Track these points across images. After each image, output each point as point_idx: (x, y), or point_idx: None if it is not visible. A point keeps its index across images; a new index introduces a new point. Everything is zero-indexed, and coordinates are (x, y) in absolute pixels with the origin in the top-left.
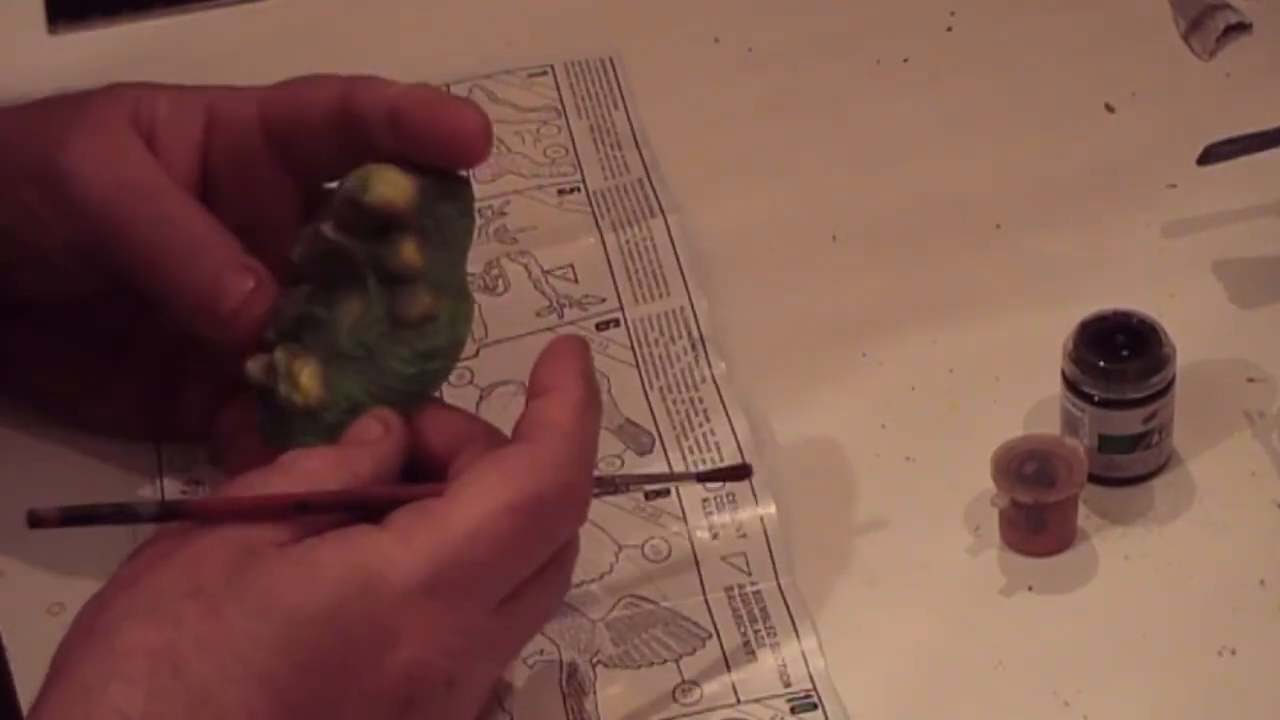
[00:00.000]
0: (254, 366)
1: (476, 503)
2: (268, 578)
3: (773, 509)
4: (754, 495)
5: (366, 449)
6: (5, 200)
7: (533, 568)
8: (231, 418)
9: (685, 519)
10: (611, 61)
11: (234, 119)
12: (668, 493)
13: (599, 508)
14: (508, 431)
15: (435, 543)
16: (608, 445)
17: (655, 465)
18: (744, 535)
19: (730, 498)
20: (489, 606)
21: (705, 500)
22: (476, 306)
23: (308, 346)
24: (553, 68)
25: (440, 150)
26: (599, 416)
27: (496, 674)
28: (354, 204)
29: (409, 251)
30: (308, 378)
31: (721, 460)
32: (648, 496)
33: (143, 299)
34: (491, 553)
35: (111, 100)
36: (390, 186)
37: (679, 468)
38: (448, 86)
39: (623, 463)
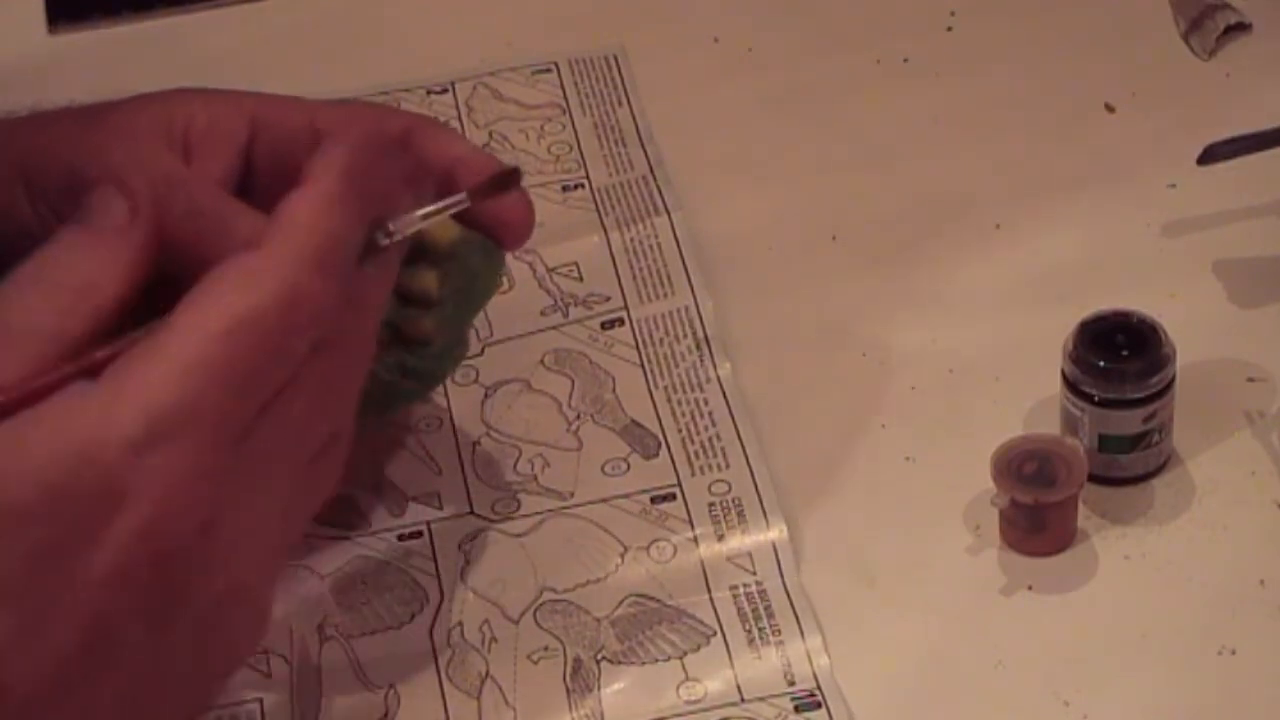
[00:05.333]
0: None
1: (190, 332)
2: None
3: (778, 509)
4: (759, 497)
5: (121, 240)
6: (35, 208)
7: (271, 388)
8: None
9: (691, 522)
10: (615, 59)
11: (282, 128)
12: (674, 497)
13: (604, 512)
14: None
15: (148, 388)
16: (614, 447)
17: (662, 469)
18: (749, 536)
19: (735, 501)
20: (230, 440)
21: (711, 505)
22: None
23: None
24: (557, 65)
25: (483, 227)
26: (353, 210)
27: (282, 508)
28: None
29: (429, 280)
30: None
31: (727, 466)
32: (654, 501)
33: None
34: (212, 384)
35: (142, 109)
36: (437, 223)
37: (685, 473)
38: (453, 84)
39: (629, 466)
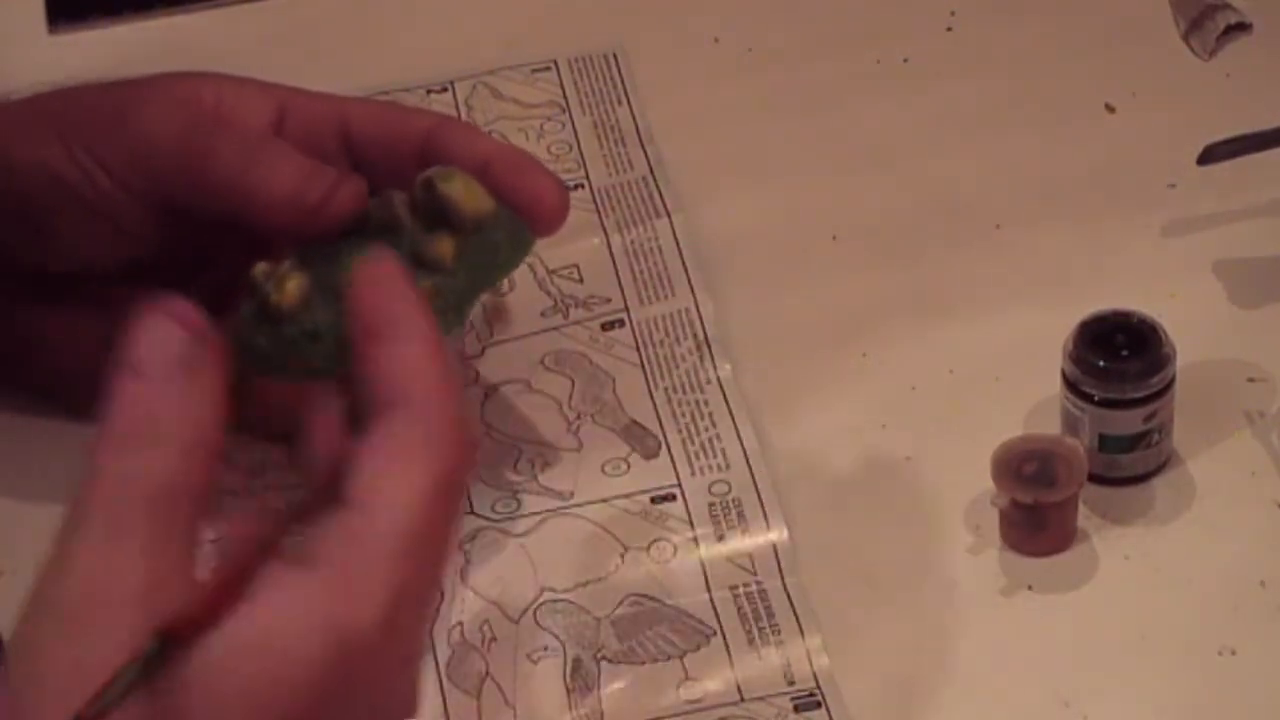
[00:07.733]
0: (260, 267)
1: (398, 503)
2: (232, 668)
3: (778, 510)
4: (759, 497)
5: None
6: (75, 158)
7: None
8: None
9: (691, 522)
10: (615, 57)
11: (309, 118)
12: (674, 498)
13: (604, 512)
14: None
15: (381, 570)
16: (614, 447)
17: (662, 469)
18: (749, 536)
19: (735, 501)
20: (436, 588)
21: (711, 505)
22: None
23: (314, 272)
24: (556, 63)
25: (515, 206)
26: (450, 355)
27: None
28: (428, 186)
29: (444, 247)
30: (293, 285)
31: (728, 467)
32: (654, 501)
33: (180, 265)
34: (429, 546)
35: (176, 82)
36: (467, 192)
37: (685, 472)
38: (452, 84)
39: (629, 465)
